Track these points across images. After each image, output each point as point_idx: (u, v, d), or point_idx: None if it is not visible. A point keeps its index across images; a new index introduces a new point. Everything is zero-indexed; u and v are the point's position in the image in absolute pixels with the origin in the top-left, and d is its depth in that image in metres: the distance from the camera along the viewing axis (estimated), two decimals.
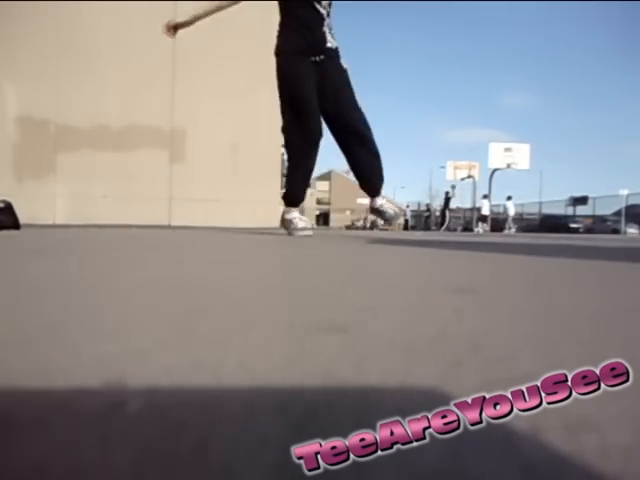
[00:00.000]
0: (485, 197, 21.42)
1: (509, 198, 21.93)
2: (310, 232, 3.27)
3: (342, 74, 3.20)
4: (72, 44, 6.11)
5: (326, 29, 3.14)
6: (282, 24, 3.18)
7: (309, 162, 3.25)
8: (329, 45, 3.15)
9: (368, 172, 3.32)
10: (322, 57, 3.14)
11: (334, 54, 3.19)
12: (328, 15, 3.16)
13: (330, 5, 3.17)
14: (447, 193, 22.74)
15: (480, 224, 20.53)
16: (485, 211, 21.08)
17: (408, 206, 34.32)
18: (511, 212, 21.39)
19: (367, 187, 3.38)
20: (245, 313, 0.56)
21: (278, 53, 3.18)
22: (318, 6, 3.09)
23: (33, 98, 6.05)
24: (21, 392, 0.30)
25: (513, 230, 19.69)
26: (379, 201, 3.36)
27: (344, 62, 3.23)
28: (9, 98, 6.02)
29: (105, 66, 6.20)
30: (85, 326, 0.48)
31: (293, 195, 3.30)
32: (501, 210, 23.69)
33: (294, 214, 3.30)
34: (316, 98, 3.14)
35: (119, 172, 6.24)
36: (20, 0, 5.80)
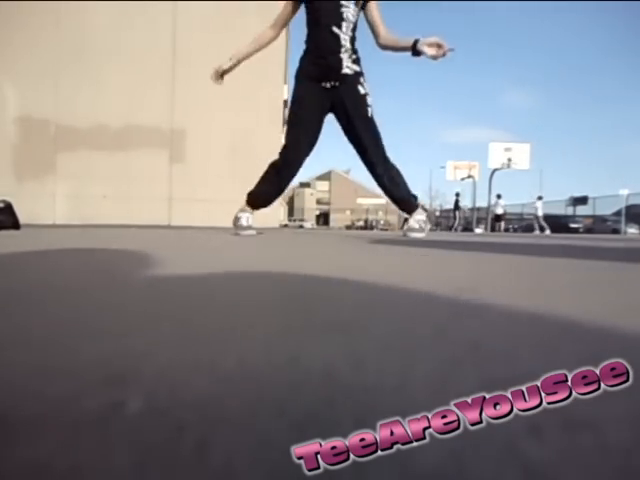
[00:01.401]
0: (499, 197, 21.20)
1: (540, 198, 20.88)
2: (253, 232, 3.29)
3: (357, 100, 3.14)
4: (72, 44, 6.12)
5: (344, 55, 3.09)
6: (305, 48, 3.19)
7: (280, 181, 3.26)
8: (345, 71, 3.10)
9: (397, 195, 3.30)
10: (336, 83, 3.11)
11: (352, 80, 3.13)
12: (351, 40, 3.11)
13: (354, 29, 3.11)
14: (457, 195, 22.30)
15: (497, 224, 20.30)
16: (499, 211, 20.89)
17: None
18: (539, 212, 20.39)
19: (403, 208, 3.41)
20: (245, 313, 0.56)
21: (295, 77, 3.23)
22: (337, 31, 3.05)
23: (33, 98, 6.06)
24: (21, 392, 0.30)
25: (547, 231, 18.56)
26: (412, 220, 3.38)
27: (364, 87, 3.16)
28: (9, 98, 6.02)
29: (105, 66, 6.20)
30: (85, 326, 0.48)
31: (256, 198, 3.32)
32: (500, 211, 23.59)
33: (245, 214, 3.33)
34: (314, 125, 3.16)
35: (119, 172, 6.25)
36: (20, 0, 5.80)
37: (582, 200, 23.94)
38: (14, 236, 2.60)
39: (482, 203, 24.57)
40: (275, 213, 7.25)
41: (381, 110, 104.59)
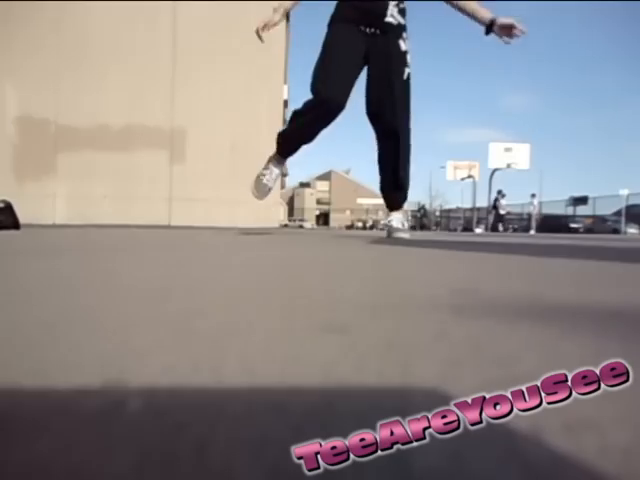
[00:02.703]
0: (503, 196, 21.07)
1: (533, 195, 20.82)
2: (268, 192, 3.06)
3: (395, 56, 2.79)
4: (72, 44, 6.12)
5: (391, 2, 2.74)
6: None
7: (314, 123, 2.85)
8: (389, 20, 2.75)
9: (387, 184, 3.01)
10: (377, 31, 2.76)
11: (395, 30, 2.78)
12: None
13: None
14: (499, 192, 20.87)
15: (498, 224, 20.16)
16: (502, 210, 20.78)
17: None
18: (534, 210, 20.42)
19: (385, 200, 3.13)
20: (245, 313, 0.56)
21: (329, 23, 2.85)
22: None
23: (33, 98, 6.06)
24: (21, 392, 0.30)
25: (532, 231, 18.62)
26: (394, 219, 3.10)
27: (405, 43, 2.81)
28: (9, 98, 6.02)
29: (105, 66, 6.20)
30: (85, 326, 0.48)
31: (285, 143, 2.99)
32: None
33: (272, 174, 3.04)
34: (352, 68, 2.78)
35: (119, 172, 6.25)
36: (20, 0, 5.80)
37: (582, 200, 23.93)
38: (14, 236, 2.60)
39: (482, 203, 24.54)
40: (275, 213, 7.26)
41: None
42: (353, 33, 2.77)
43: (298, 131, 2.93)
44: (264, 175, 3.09)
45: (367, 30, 2.77)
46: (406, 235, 3.13)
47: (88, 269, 1.05)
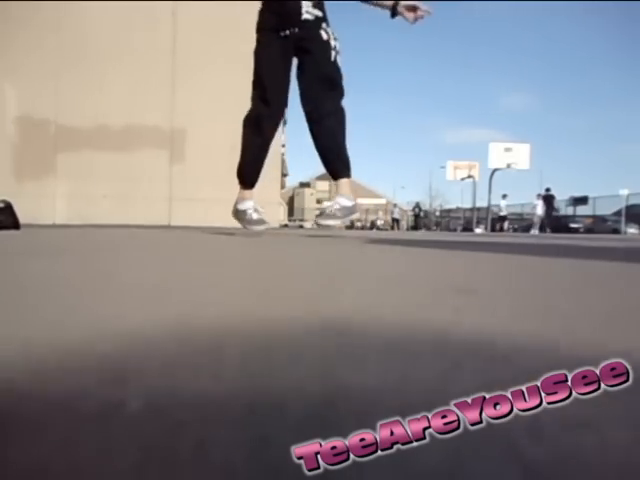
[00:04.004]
0: (504, 197, 21.00)
1: (539, 196, 20.19)
2: (264, 227, 2.99)
3: (319, 46, 2.90)
4: (72, 44, 6.11)
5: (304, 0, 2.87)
6: None
7: (262, 141, 2.98)
8: (305, 17, 2.88)
9: (325, 155, 2.97)
10: (295, 29, 2.89)
11: (313, 24, 2.91)
12: None
13: None
14: (547, 190, 20.02)
15: (500, 225, 20.03)
16: (504, 211, 20.70)
17: (395, 206, 33.72)
18: (539, 211, 19.88)
19: (329, 170, 3.00)
20: (245, 313, 0.56)
21: (256, 31, 3.03)
22: None
23: (33, 98, 6.05)
24: (21, 392, 0.30)
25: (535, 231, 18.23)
26: (331, 203, 2.97)
27: (326, 32, 2.93)
28: (9, 98, 6.02)
29: (105, 66, 6.20)
30: (85, 326, 0.48)
31: (246, 173, 3.02)
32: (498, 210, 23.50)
33: (248, 204, 2.99)
34: (282, 78, 2.95)
35: (119, 172, 6.24)
36: (20, 0, 5.80)
37: (582, 200, 23.94)
38: (14, 236, 2.60)
39: (482, 203, 24.54)
40: (275, 213, 7.25)
41: (381, 110, 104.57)
42: (275, 41, 2.93)
43: (254, 156, 3.01)
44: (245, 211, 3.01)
45: (288, 32, 2.91)
46: (333, 222, 2.88)
47: (88, 269, 1.05)
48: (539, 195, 20.37)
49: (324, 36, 2.93)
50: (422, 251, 2.05)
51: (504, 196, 21.18)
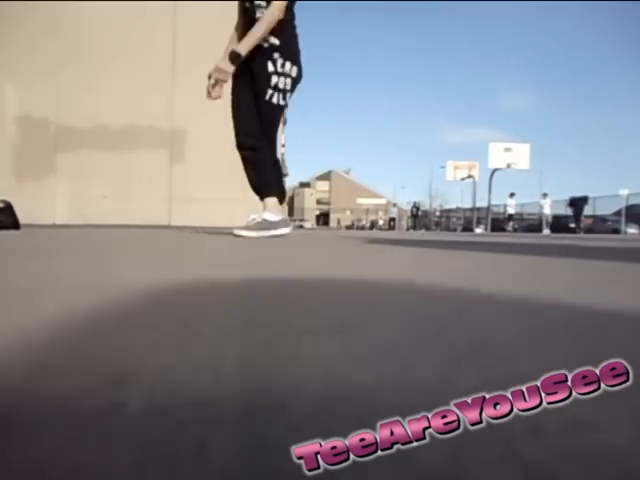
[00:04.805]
0: (512, 196, 20.87)
1: (545, 195, 20.19)
2: (287, 229, 3.09)
3: (259, 77, 2.94)
4: (72, 44, 6.12)
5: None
6: None
7: (269, 154, 3.13)
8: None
9: (250, 180, 3.15)
10: (250, 54, 2.90)
11: (265, 52, 2.91)
12: (261, 8, 2.86)
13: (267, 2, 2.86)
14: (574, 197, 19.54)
15: (509, 224, 19.92)
16: (511, 210, 20.59)
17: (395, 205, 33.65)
18: (547, 210, 19.88)
19: (255, 194, 3.18)
20: (245, 313, 0.56)
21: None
22: (248, 4, 2.92)
23: (33, 98, 6.06)
24: (21, 392, 0.30)
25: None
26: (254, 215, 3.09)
27: (275, 64, 2.91)
28: (9, 98, 6.02)
29: (105, 66, 6.20)
30: (85, 326, 0.48)
31: (275, 185, 3.13)
32: (501, 210, 23.50)
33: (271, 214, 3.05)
34: (241, 108, 3.03)
35: (119, 172, 6.24)
36: (20, 0, 5.80)
37: (582, 200, 23.88)
38: (14, 236, 2.60)
39: (482, 203, 24.54)
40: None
41: (381, 110, 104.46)
42: (241, 73, 2.96)
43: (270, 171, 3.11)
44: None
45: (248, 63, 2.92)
46: (248, 234, 2.92)
47: (88, 269, 1.05)
48: (545, 194, 20.37)
49: (270, 68, 2.92)
50: (425, 251, 2.05)
51: (512, 195, 21.01)
